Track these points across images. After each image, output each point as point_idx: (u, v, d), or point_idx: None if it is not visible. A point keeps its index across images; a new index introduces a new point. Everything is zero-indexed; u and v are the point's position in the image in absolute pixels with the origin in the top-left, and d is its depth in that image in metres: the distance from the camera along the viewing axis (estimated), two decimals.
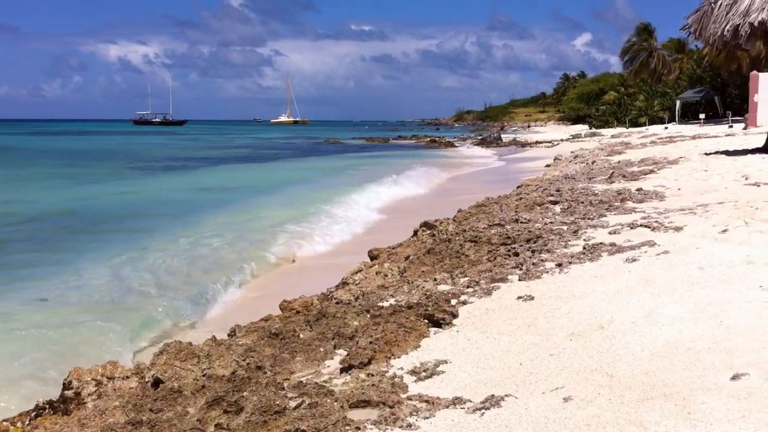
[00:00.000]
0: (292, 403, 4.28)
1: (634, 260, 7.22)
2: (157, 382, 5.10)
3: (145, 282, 11.39)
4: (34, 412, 5.57)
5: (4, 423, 5.54)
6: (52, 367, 7.51)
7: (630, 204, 11.46)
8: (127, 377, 5.54)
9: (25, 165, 41.09)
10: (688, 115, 56.68)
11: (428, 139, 78.98)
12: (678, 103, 57.77)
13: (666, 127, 47.97)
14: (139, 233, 16.31)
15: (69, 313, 9.61)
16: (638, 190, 12.95)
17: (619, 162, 21.31)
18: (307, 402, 4.29)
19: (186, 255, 13.52)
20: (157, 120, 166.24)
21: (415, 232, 11.50)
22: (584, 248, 8.06)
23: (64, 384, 5.57)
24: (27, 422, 5.49)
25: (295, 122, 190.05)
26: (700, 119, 49.47)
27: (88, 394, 5.35)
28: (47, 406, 5.56)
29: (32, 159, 47.06)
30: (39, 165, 41.33)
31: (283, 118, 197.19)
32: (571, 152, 33.03)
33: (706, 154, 20.30)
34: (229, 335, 6.70)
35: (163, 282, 11.46)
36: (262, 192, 25.72)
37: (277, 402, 4.25)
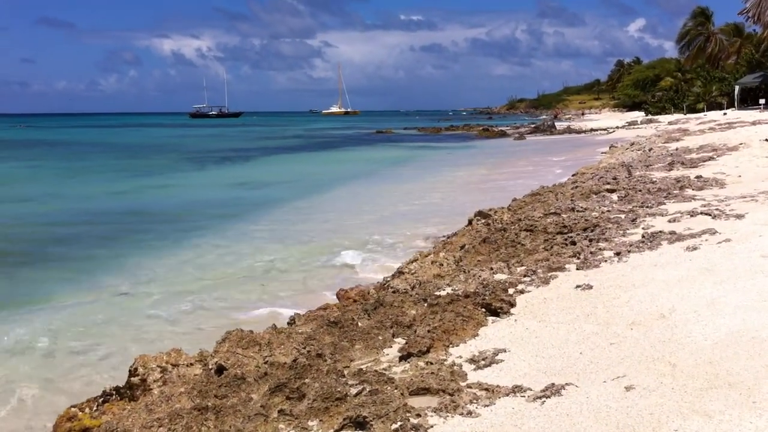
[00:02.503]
0: (353, 390, 4.34)
1: (695, 248, 7.12)
2: (220, 369, 5.21)
3: (215, 277, 11.39)
4: (102, 398, 5.72)
5: (73, 409, 5.69)
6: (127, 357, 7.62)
7: (689, 191, 11.27)
8: (191, 364, 5.66)
9: (88, 158, 42.15)
10: (747, 101, 55.28)
11: (480, 128, 78.35)
12: (737, 88, 56.42)
13: (725, 113, 46.89)
14: (206, 229, 16.30)
15: (143, 306, 9.82)
16: (698, 177, 12.73)
17: (677, 149, 20.93)
18: (367, 389, 4.34)
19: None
20: (214, 113, 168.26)
21: (470, 221, 11.48)
22: (643, 237, 7.97)
23: (130, 371, 5.72)
24: (95, 408, 5.63)
25: (347, 113, 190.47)
26: (760, 105, 48.18)
27: (154, 381, 5.48)
28: (114, 392, 5.72)
29: (97, 152, 48.20)
30: (102, 157, 42.39)
31: (334, 109, 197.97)
32: (627, 140, 32.46)
33: (767, 140, 19.81)
34: (288, 324, 6.79)
35: (235, 275, 11.52)
36: (325, 183, 26.15)
37: (339, 389, 4.31)
